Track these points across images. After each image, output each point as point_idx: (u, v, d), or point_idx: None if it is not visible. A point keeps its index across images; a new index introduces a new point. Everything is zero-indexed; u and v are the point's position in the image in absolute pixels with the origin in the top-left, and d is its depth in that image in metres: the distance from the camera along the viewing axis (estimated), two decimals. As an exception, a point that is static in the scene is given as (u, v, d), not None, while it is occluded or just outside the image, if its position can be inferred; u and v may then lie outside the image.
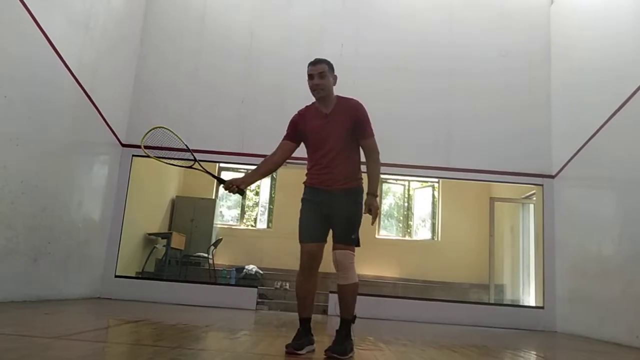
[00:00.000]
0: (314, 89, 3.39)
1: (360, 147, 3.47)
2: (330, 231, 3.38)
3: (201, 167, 3.58)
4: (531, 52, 8.07)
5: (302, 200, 3.46)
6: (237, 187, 3.32)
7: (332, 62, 3.46)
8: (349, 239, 3.28)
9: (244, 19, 8.22)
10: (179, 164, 3.71)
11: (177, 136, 3.68)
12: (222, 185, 3.39)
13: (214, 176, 3.58)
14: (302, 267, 3.34)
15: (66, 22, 5.91)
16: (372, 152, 3.44)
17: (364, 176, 3.46)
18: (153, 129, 3.71)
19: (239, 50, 8.07)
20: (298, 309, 3.42)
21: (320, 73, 3.36)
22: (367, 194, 3.35)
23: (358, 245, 3.34)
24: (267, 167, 3.53)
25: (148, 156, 3.65)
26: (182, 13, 8.24)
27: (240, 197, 3.37)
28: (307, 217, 3.39)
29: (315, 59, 3.44)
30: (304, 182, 3.49)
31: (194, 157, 3.54)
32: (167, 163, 3.70)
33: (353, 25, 8.16)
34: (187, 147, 3.62)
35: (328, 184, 3.35)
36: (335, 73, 3.47)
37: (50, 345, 2.84)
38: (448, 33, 8.13)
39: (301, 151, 3.56)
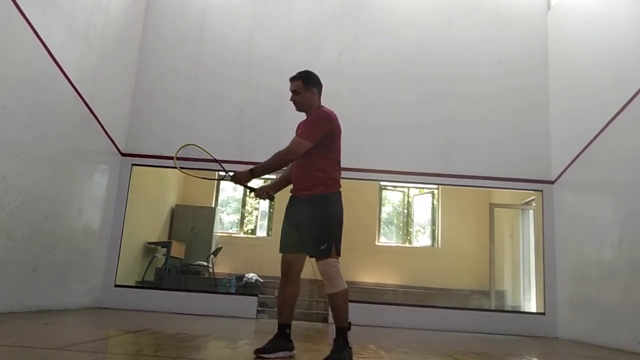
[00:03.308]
0: (293, 104, 3.49)
1: (330, 154, 3.40)
2: None
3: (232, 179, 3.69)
4: (529, 57, 8.09)
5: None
6: (267, 193, 3.46)
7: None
8: (318, 250, 3.24)
9: (243, 28, 8.25)
10: (211, 177, 3.86)
11: (206, 151, 3.77)
12: (252, 192, 3.51)
13: (245, 185, 3.64)
14: (281, 274, 3.43)
15: (65, 31, 5.93)
16: (286, 146, 3.36)
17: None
18: (183, 146, 3.80)
19: (238, 58, 8.09)
20: (277, 314, 3.49)
21: (293, 91, 3.46)
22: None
23: (334, 253, 3.24)
24: (289, 173, 3.60)
25: (188, 174, 3.86)
26: (182, 22, 8.27)
27: (271, 202, 3.50)
28: (282, 228, 3.48)
29: (292, 76, 3.49)
30: None
31: (226, 171, 3.61)
32: (201, 178, 3.91)
33: (351, 32, 8.18)
34: (216, 160, 3.72)
35: (296, 190, 3.45)
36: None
37: (50, 356, 2.84)
38: (446, 40, 8.16)
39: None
